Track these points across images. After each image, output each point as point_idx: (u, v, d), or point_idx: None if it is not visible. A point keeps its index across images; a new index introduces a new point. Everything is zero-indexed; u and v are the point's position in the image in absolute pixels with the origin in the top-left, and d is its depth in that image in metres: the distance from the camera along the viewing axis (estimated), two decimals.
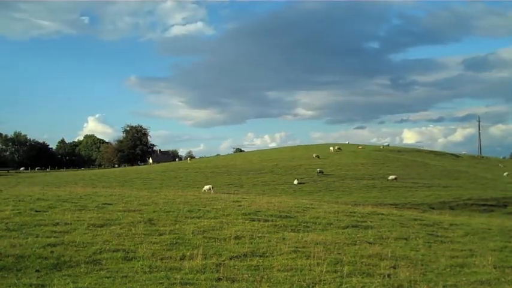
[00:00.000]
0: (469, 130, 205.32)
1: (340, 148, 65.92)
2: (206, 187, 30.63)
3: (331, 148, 65.68)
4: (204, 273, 7.69)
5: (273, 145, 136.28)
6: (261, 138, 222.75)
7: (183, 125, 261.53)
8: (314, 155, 56.02)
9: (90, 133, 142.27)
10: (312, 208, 15.74)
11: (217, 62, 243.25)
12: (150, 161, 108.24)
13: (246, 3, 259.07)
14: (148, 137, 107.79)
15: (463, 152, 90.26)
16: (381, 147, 78.90)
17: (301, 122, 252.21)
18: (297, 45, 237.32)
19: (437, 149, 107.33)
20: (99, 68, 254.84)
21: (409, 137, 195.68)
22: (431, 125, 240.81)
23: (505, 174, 52.85)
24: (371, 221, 13.37)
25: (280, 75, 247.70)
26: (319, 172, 41.79)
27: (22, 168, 77.09)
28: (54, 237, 9.39)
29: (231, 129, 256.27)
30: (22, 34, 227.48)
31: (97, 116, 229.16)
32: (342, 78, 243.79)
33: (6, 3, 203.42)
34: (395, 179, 39.43)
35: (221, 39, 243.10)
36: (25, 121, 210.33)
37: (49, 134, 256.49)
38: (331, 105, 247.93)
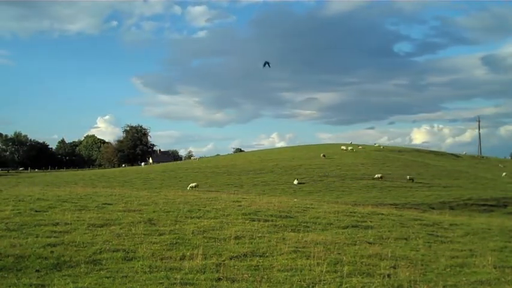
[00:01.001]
0: (480, 130, 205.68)
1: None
2: (192, 184, 30.86)
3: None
4: (204, 273, 7.69)
5: (281, 145, 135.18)
6: (271, 138, 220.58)
7: (195, 125, 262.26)
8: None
9: (101, 134, 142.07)
10: (312, 208, 15.74)
11: (239, 63, 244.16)
12: (150, 160, 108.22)
13: (278, 4, 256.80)
14: (149, 137, 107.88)
15: (464, 152, 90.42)
16: (378, 146, 78.97)
17: (312, 123, 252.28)
18: (322, 47, 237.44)
19: (443, 149, 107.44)
20: (116, 68, 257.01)
21: (418, 137, 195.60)
22: (441, 125, 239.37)
23: (504, 174, 52.85)
24: (371, 221, 13.37)
25: (299, 76, 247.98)
26: (381, 177, 40.02)
27: None
28: (54, 237, 9.40)
29: (244, 129, 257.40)
30: (51, 32, 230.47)
31: (107, 117, 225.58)
32: (361, 80, 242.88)
33: (32, 3, 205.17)
34: (381, 177, 39.64)
35: (245, 41, 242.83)
36: (37, 121, 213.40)
37: (59, 134, 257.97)
38: (346, 105, 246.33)
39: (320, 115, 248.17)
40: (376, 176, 40.21)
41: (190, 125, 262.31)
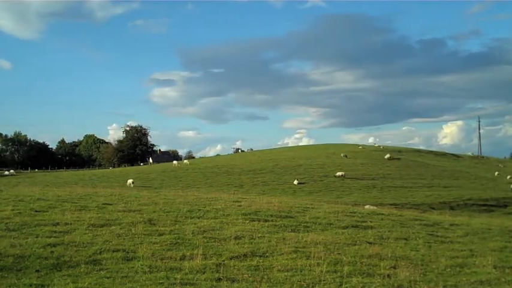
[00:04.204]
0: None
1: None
2: (129, 181, 30.56)
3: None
4: (204, 273, 7.69)
5: (304, 144, 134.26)
6: (296, 138, 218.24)
7: (227, 126, 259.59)
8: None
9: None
10: (312, 208, 15.73)
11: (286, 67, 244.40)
12: (151, 160, 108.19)
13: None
14: (149, 137, 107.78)
15: (470, 153, 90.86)
16: (378, 146, 79.10)
17: (338, 124, 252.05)
18: (389, 50, 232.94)
19: (459, 150, 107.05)
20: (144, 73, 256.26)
21: (447, 138, 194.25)
22: (475, 125, 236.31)
23: (496, 173, 53.19)
24: (371, 221, 13.36)
25: (358, 80, 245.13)
26: (342, 175, 40.32)
27: None
28: (54, 237, 9.40)
29: (274, 130, 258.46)
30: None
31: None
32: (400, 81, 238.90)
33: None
34: (343, 175, 39.79)
35: (290, 43, 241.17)
36: (65, 122, 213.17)
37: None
38: (380, 106, 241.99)
39: (350, 117, 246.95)
40: (338, 174, 40.48)
41: (224, 126, 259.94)
